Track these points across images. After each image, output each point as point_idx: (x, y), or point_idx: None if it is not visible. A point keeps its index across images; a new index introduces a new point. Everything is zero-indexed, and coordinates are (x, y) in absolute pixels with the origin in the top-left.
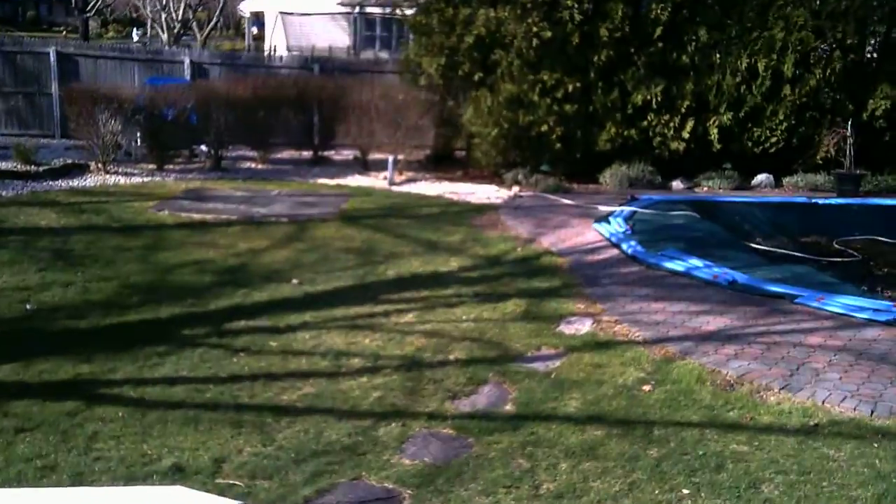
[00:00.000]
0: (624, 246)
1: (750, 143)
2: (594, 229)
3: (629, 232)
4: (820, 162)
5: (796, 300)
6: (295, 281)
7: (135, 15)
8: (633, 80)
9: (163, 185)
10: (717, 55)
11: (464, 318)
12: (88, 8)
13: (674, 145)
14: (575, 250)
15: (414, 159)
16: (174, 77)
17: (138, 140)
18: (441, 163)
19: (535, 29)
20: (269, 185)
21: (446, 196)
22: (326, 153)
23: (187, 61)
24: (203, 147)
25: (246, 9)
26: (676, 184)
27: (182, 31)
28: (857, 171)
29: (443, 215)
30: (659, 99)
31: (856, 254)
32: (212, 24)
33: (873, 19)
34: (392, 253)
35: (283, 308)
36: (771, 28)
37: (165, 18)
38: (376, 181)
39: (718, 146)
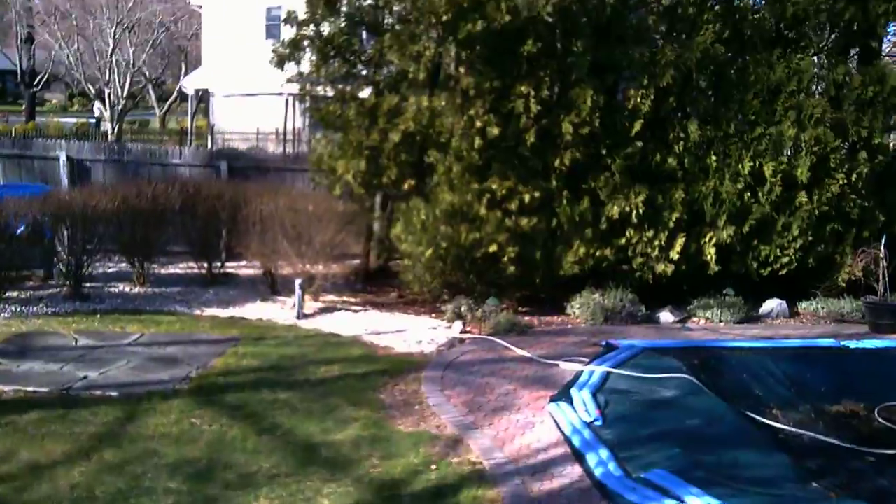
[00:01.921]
0: (591, 459)
1: (755, 265)
2: (550, 414)
3: (599, 421)
4: (843, 285)
5: None
6: None
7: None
8: (606, 188)
9: None
10: (714, 156)
11: None
12: (35, 83)
13: (660, 268)
14: (517, 465)
15: (341, 273)
16: (38, 180)
17: None
18: (374, 279)
19: (478, 123)
20: (132, 323)
21: (364, 339)
22: (232, 265)
23: (63, 157)
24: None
25: (189, 86)
26: (665, 315)
27: (128, 108)
28: None
29: (346, 381)
30: (640, 211)
31: None
32: (171, 99)
33: None
34: (239, 476)
35: None
36: (780, 122)
37: (109, 94)
38: (283, 310)
39: (716, 268)
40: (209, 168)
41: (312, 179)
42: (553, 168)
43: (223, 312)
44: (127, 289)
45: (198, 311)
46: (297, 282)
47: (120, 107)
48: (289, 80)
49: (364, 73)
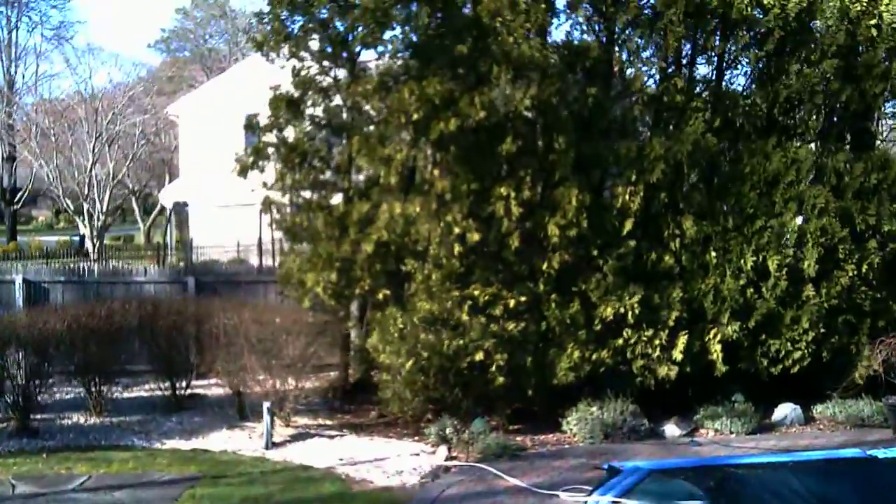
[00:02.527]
0: None
1: (765, 361)
2: None
3: None
4: (860, 382)
5: None
6: None
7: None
8: (598, 291)
9: None
10: (713, 252)
11: None
12: (17, 200)
13: (662, 371)
14: None
15: (317, 389)
16: None
17: None
18: (354, 394)
19: (457, 230)
20: (81, 463)
21: (338, 470)
22: (201, 383)
23: (19, 280)
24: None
25: (167, 199)
26: (670, 428)
27: (108, 224)
28: None
29: None
30: (636, 311)
31: None
32: (155, 212)
33: None
34: None
35: None
36: (781, 214)
37: (87, 210)
38: (251, 440)
39: (723, 368)
40: (177, 285)
41: (281, 293)
42: (540, 271)
43: (185, 444)
44: (82, 419)
45: (157, 444)
46: (266, 405)
47: (100, 223)
48: (252, 190)
49: (333, 180)
